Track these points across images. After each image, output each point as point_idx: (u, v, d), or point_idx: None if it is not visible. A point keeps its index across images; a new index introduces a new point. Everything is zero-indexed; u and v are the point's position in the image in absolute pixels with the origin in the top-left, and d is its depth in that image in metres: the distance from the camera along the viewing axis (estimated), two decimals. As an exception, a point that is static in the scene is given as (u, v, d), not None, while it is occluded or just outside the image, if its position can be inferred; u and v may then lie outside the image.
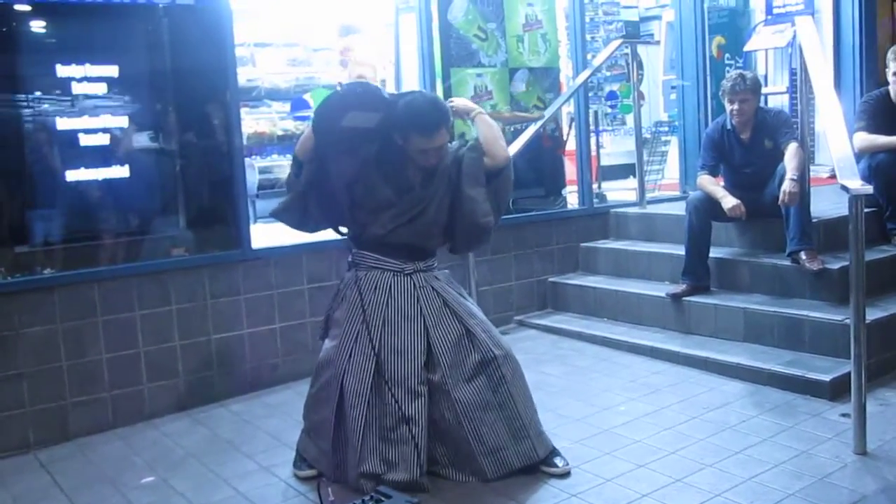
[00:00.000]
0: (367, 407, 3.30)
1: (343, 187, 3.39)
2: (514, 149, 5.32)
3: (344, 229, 3.57)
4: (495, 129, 3.55)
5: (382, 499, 2.85)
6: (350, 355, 3.35)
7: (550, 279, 5.94)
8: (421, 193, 3.41)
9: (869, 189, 3.47)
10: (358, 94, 3.37)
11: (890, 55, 5.35)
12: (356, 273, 3.48)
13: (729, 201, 4.90)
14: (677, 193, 6.88)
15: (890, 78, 5.33)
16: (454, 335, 3.39)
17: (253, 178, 6.78)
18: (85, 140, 4.35)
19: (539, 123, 5.68)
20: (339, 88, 3.41)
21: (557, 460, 3.43)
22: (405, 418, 3.28)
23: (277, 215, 3.55)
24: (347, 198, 3.41)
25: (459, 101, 3.72)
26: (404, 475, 3.22)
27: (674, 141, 7.82)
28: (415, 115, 3.30)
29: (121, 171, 4.49)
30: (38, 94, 4.26)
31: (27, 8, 4.38)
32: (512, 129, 5.96)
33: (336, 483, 3.33)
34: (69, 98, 4.31)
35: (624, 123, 8.78)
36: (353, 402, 3.31)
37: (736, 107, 4.99)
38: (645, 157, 6.83)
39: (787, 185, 4.59)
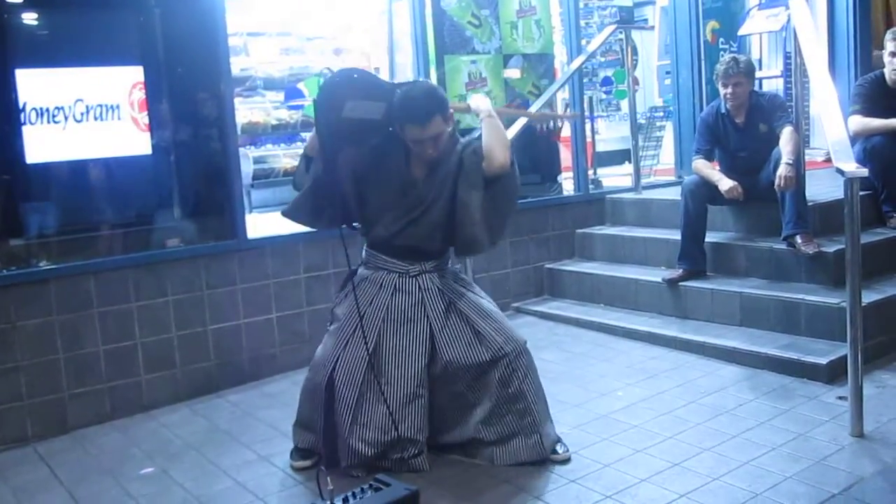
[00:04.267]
0: (356, 402, 3.29)
1: (351, 180, 3.36)
2: (516, 127, 5.27)
3: (358, 225, 3.54)
4: (500, 135, 3.39)
5: (381, 487, 2.85)
6: (344, 350, 3.35)
7: (547, 266, 5.94)
8: (423, 192, 3.37)
9: (864, 172, 3.47)
10: (354, 81, 3.30)
11: (888, 36, 5.35)
12: (364, 271, 3.48)
13: (725, 183, 4.91)
14: (673, 178, 6.87)
15: (886, 59, 5.33)
16: (464, 338, 3.37)
17: (247, 168, 6.76)
18: (78, 132, 4.33)
19: (538, 104, 5.66)
20: (326, 72, 3.31)
21: (558, 447, 3.44)
22: (395, 424, 3.29)
23: (289, 215, 3.48)
24: (355, 192, 3.38)
25: (476, 99, 3.60)
26: (397, 463, 3.27)
27: (669, 126, 7.82)
28: (407, 104, 3.25)
29: (115, 163, 4.48)
30: (30, 85, 4.22)
31: (18, -1, 4.38)
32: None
33: (332, 468, 3.35)
34: (62, 89, 4.28)
35: (619, 109, 8.79)
36: (344, 394, 3.31)
37: (729, 90, 4.99)
38: (640, 143, 6.82)
39: (782, 170, 4.59)
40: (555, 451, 3.42)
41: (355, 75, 3.36)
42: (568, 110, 6.57)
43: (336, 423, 3.34)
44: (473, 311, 3.42)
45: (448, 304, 3.42)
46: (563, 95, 6.76)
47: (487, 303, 3.53)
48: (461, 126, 5.16)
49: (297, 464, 3.51)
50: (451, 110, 3.40)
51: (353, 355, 3.33)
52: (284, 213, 3.51)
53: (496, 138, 3.35)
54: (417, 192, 3.38)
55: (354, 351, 3.33)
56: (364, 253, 3.55)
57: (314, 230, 3.70)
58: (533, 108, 5.68)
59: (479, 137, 3.40)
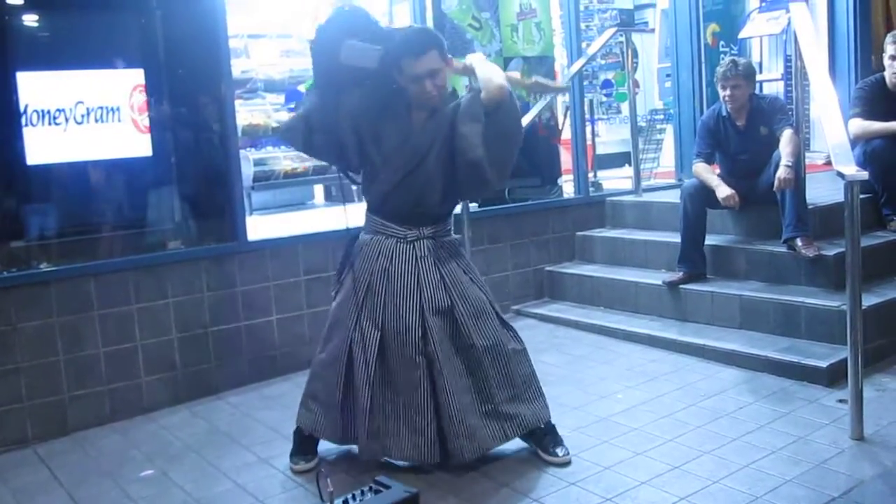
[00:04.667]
0: (374, 375, 3.30)
1: (348, 124, 3.28)
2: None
3: (357, 178, 3.50)
4: (495, 67, 3.39)
5: (381, 489, 2.85)
6: (357, 319, 3.34)
7: (547, 268, 5.94)
8: (420, 140, 3.31)
9: (864, 175, 3.47)
10: (347, 16, 3.29)
11: (888, 39, 5.35)
12: (364, 236, 3.45)
13: (723, 191, 4.90)
14: (673, 181, 6.88)
15: (887, 62, 5.33)
16: (443, 312, 3.35)
17: (248, 171, 6.77)
18: (79, 133, 4.33)
19: (540, 105, 5.66)
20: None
21: (558, 450, 3.43)
22: (402, 391, 3.30)
23: (281, 134, 3.45)
24: (354, 139, 3.30)
25: (470, 56, 3.56)
26: (412, 452, 3.29)
27: (669, 129, 7.82)
28: (405, 39, 3.25)
29: (116, 166, 4.49)
30: (30, 87, 4.23)
31: (19, 0, 4.36)
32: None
33: (344, 443, 3.45)
34: (62, 91, 4.29)
35: (619, 112, 8.78)
36: (361, 367, 3.31)
37: (728, 93, 5.00)
38: (640, 146, 6.83)
39: (781, 172, 4.59)
40: (555, 454, 3.42)
41: (348, 9, 3.35)
42: (567, 112, 6.56)
43: (356, 399, 3.35)
44: (458, 294, 3.37)
45: (439, 277, 3.38)
46: (563, 98, 6.76)
47: (474, 289, 3.45)
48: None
49: (298, 467, 3.51)
50: (449, 56, 3.37)
51: (368, 334, 3.32)
52: (277, 133, 3.51)
53: (491, 68, 3.35)
54: (414, 140, 3.32)
55: (367, 326, 3.33)
56: (364, 217, 3.50)
57: (312, 156, 3.62)
58: (534, 111, 5.69)
59: (475, 89, 3.37)
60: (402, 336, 3.31)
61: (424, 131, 3.32)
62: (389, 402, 3.33)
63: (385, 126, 3.33)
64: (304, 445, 3.58)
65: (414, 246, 3.38)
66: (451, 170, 3.30)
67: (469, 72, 3.44)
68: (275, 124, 7.19)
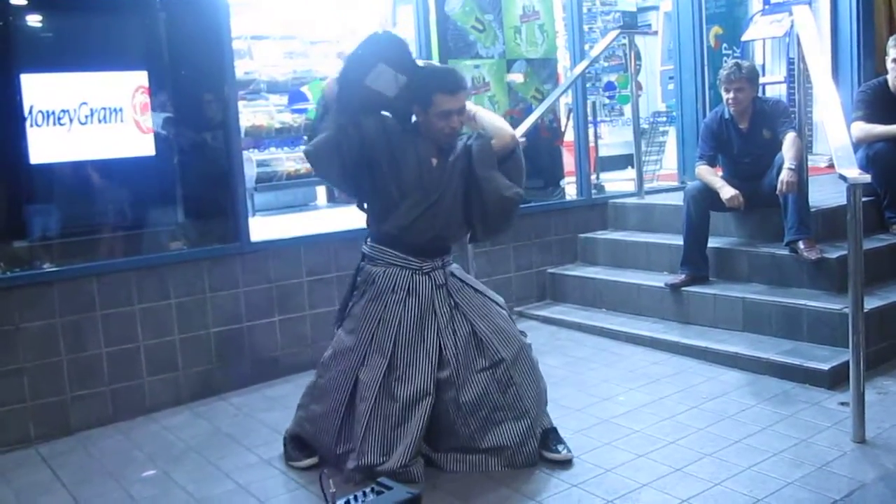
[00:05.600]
0: (374, 403, 3.31)
1: (365, 151, 3.31)
2: (519, 131, 5.31)
3: (364, 207, 3.55)
4: (496, 115, 3.62)
5: (383, 490, 2.85)
6: (365, 353, 3.38)
7: (549, 270, 5.95)
8: (439, 175, 3.39)
9: (867, 178, 3.47)
10: (385, 41, 3.37)
11: (890, 42, 5.36)
12: (374, 268, 3.46)
13: (727, 192, 4.91)
14: (675, 184, 6.88)
15: (889, 65, 5.34)
16: (463, 336, 3.40)
17: (251, 172, 6.78)
18: (83, 134, 4.34)
19: (541, 109, 5.67)
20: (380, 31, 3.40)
21: (560, 447, 3.44)
22: (406, 418, 3.30)
23: (310, 155, 3.39)
24: (368, 167, 3.35)
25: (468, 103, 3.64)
26: (395, 463, 3.23)
27: (672, 131, 7.82)
28: (440, 73, 3.43)
29: (119, 166, 4.49)
30: (33, 88, 4.24)
31: (23, 1, 4.38)
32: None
33: (332, 468, 3.37)
34: (65, 92, 4.30)
35: (622, 114, 8.79)
36: (365, 395, 3.33)
37: (731, 95, 5.00)
38: (643, 148, 6.84)
39: (784, 175, 4.59)
40: (556, 450, 3.42)
41: (395, 42, 3.40)
42: (570, 114, 6.56)
43: (353, 428, 3.35)
44: (476, 313, 3.45)
45: (454, 303, 3.45)
46: (566, 100, 6.76)
47: (491, 304, 3.54)
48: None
49: (299, 463, 3.52)
50: None
51: (375, 364, 3.35)
52: (305, 153, 3.49)
53: (495, 118, 3.60)
54: (434, 175, 3.40)
55: (376, 358, 3.36)
56: (368, 249, 3.52)
57: (326, 178, 3.64)
58: (536, 113, 5.69)
59: (477, 133, 3.51)
60: (414, 368, 3.34)
61: (442, 167, 3.41)
62: (390, 428, 3.31)
63: (401, 159, 3.37)
64: (300, 446, 3.59)
65: (430, 276, 3.45)
66: (466, 205, 3.45)
67: (471, 118, 3.55)
68: (278, 125, 7.21)
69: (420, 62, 3.59)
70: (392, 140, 3.35)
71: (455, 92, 3.33)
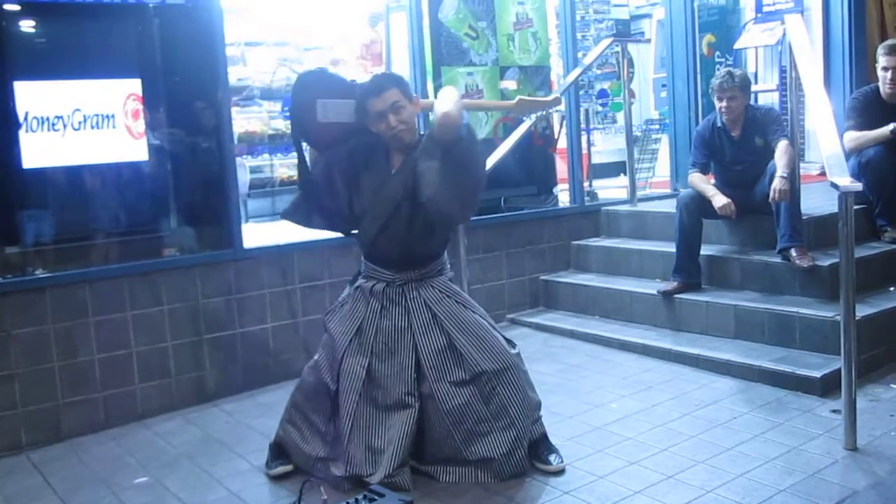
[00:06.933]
0: (356, 410, 3.32)
1: (340, 181, 3.40)
2: (506, 146, 5.35)
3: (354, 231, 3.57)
4: (449, 95, 3.27)
5: (376, 497, 2.85)
6: (342, 362, 3.38)
7: (542, 277, 5.95)
8: (391, 188, 3.36)
9: (858, 186, 3.49)
10: (312, 78, 3.47)
11: (880, 51, 5.38)
12: (360, 279, 3.53)
13: (719, 200, 4.92)
14: (668, 191, 6.90)
15: (879, 73, 5.36)
16: (437, 348, 3.38)
17: (244, 178, 6.77)
18: (76, 141, 4.34)
19: (528, 123, 5.69)
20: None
21: (552, 457, 3.43)
22: (388, 427, 3.31)
23: (287, 216, 3.55)
24: (346, 193, 3.41)
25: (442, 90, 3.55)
26: (381, 475, 3.22)
27: (664, 139, 7.84)
28: (367, 83, 3.41)
29: (112, 173, 4.49)
30: (28, 95, 4.23)
31: (16, 7, 4.37)
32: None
33: (316, 472, 3.39)
34: (59, 98, 4.29)
35: (615, 121, 8.81)
36: (345, 403, 3.34)
37: (724, 104, 5.01)
38: (636, 155, 6.85)
39: (776, 183, 4.61)
40: (548, 461, 3.42)
41: (310, 77, 3.50)
42: (563, 122, 6.58)
43: (337, 438, 3.36)
44: (456, 326, 3.41)
45: (432, 316, 3.42)
46: (559, 107, 6.77)
47: (474, 319, 3.47)
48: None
49: (274, 471, 3.52)
50: (415, 95, 3.49)
51: (352, 373, 3.37)
52: (282, 215, 3.59)
53: (443, 97, 3.27)
54: (392, 186, 3.38)
55: (353, 366, 3.37)
56: (361, 264, 3.58)
57: (309, 227, 3.66)
58: (526, 124, 5.69)
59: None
60: (393, 377, 3.35)
61: (396, 178, 3.39)
62: (374, 437, 3.33)
63: (365, 177, 3.42)
64: (277, 453, 3.60)
65: (403, 289, 3.44)
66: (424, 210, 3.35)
67: (430, 108, 3.50)
68: (271, 131, 7.22)
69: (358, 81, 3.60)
70: (358, 164, 3.41)
71: (379, 93, 3.30)
